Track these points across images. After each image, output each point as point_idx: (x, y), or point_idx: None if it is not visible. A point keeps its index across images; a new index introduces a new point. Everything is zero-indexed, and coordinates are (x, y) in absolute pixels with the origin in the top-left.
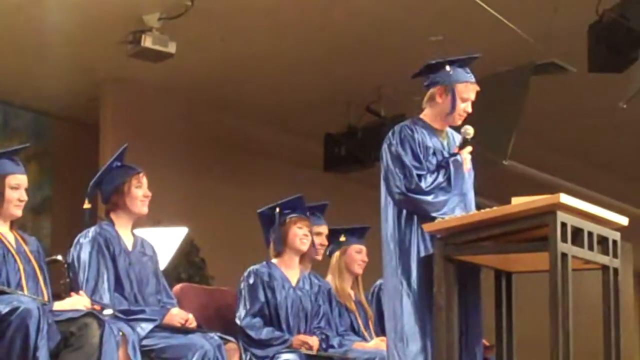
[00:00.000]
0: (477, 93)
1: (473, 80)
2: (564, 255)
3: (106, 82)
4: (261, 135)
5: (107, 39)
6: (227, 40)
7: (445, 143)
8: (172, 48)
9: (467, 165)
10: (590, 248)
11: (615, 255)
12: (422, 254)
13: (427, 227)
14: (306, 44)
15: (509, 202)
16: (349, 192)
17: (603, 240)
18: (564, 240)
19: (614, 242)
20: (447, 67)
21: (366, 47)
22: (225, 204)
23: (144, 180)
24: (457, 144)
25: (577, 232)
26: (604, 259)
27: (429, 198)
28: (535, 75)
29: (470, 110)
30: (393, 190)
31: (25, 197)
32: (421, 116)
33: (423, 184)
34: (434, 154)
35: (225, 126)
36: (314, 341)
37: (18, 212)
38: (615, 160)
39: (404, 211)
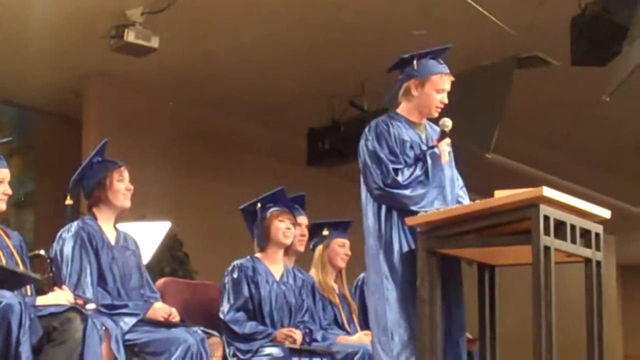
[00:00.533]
0: (461, 86)
1: (447, 70)
2: (547, 248)
3: (89, 76)
4: (244, 129)
5: (90, 33)
6: (209, 35)
7: (423, 136)
8: (155, 43)
9: (446, 157)
10: (573, 241)
11: (597, 248)
12: (405, 248)
13: (410, 220)
14: (289, 39)
15: (492, 195)
16: (332, 187)
17: (586, 233)
18: (547, 233)
19: (597, 235)
20: (420, 60)
21: (349, 41)
22: (208, 199)
23: (126, 174)
24: (436, 136)
25: (560, 225)
26: (587, 252)
27: (407, 192)
28: (518, 68)
29: (446, 101)
30: (371, 186)
31: (9, 191)
32: (398, 110)
33: (400, 178)
34: (412, 147)
35: (209, 121)
36: (297, 335)
37: (2, 206)
38: (598, 154)
39: (384, 206)
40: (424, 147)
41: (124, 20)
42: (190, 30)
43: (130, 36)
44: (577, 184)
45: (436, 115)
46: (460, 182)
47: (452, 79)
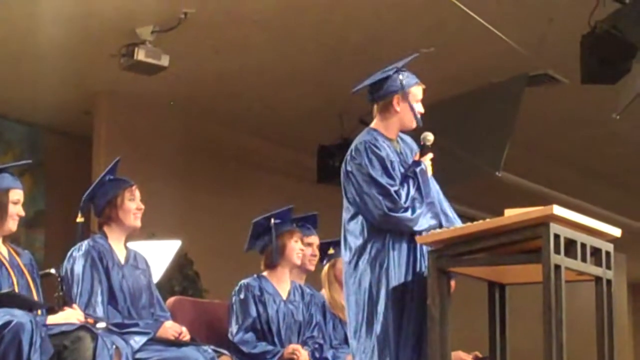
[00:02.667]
0: (471, 104)
1: (418, 79)
2: (557, 266)
3: (100, 95)
4: (255, 147)
5: (101, 52)
6: (220, 53)
7: (398, 150)
8: (165, 61)
9: (430, 170)
10: (584, 259)
11: (608, 267)
12: (396, 267)
13: (421, 239)
14: (299, 57)
15: (502, 213)
16: (342, 204)
17: (596, 252)
18: (557, 251)
19: (607, 253)
20: (400, 75)
21: (359, 59)
22: (218, 217)
23: (137, 193)
24: (408, 148)
25: (571, 244)
26: (597, 271)
27: (409, 214)
28: (528, 86)
29: (422, 110)
30: (373, 211)
31: (22, 213)
32: (374, 127)
33: (402, 201)
34: (395, 164)
35: (219, 139)
36: (302, 353)
37: (14, 227)
38: (608, 172)
39: (369, 229)
40: (403, 162)
41: (134, 39)
42: (200, 49)
43: (140, 55)
44: (587, 202)
45: (414, 126)
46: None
47: (424, 86)
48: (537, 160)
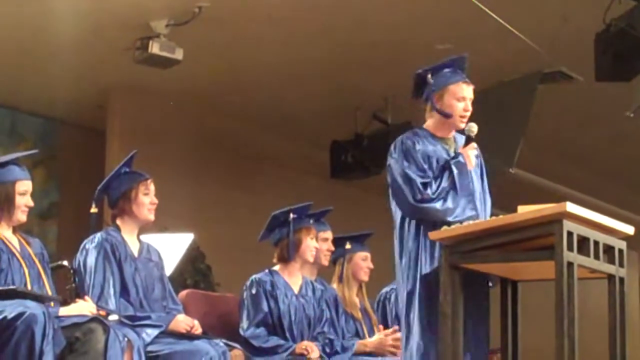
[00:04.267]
0: (485, 101)
1: (463, 77)
2: (570, 264)
3: (114, 88)
4: (268, 142)
5: (115, 45)
6: (234, 47)
7: (451, 150)
8: (179, 54)
9: (472, 163)
10: (597, 257)
11: (621, 265)
12: (435, 262)
13: (433, 235)
14: (313, 52)
15: (515, 210)
16: (355, 199)
17: (609, 249)
18: (570, 249)
19: (620, 251)
20: (435, 74)
21: (373, 54)
22: (231, 211)
23: (152, 187)
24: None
25: (583, 241)
26: (610, 268)
27: (437, 205)
28: (542, 83)
29: (470, 108)
30: (403, 204)
31: (31, 203)
32: (424, 126)
33: (429, 192)
34: (437, 161)
35: (232, 133)
36: (313, 350)
37: (23, 218)
38: (622, 169)
39: (412, 223)
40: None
41: (149, 32)
42: (214, 43)
43: (154, 48)
44: (600, 200)
45: (463, 125)
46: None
47: (472, 86)
48: (551, 158)
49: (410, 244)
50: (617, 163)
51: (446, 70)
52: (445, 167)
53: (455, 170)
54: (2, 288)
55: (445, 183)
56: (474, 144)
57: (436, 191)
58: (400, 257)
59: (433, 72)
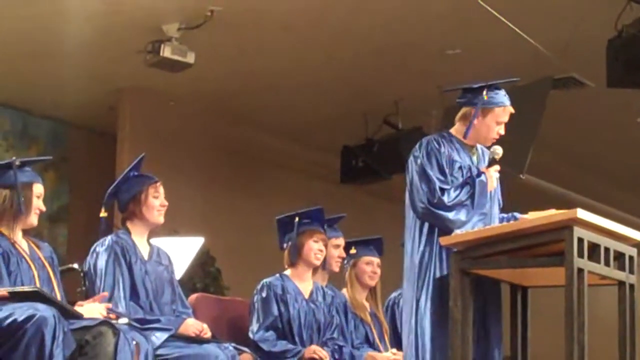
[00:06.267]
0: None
1: (509, 102)
2: (580, 270)
3: (125, 91)
4: (278, 146)
5: (127, 48)
6: (245, 52)
7: (474, 158)
8: (190, 58)
9: (493, 184)
10: (607, 264)
11: (631, 272)
12: (445, 268)
13: (444, 240)
14: (324, 57)
15: None
16: (365, 205)
17: (620, 256)
18: (581, 255)
19: (631, 258)
20: (490, 91)
21: (384, 60)
22: (241, 215)
23: (161, 190)
24: (485, 162)
25: (594, 248)
26: (620, 275)
27: (450, 215)
28: (553, 89)
29: (503, 132)
30: (416, 203)
31: (43, 207)
32: (451, 131)
33: (446, 199)
34: (460, 168)
35: (243, 137)
36: (324, 354)
37: (35, 221)
38: (633, 176)
39: (426, 226)
40: (474, 170)
41: (160, 36)
42: (226, 47)
43: (166, 51)
44: (611, 207)
45: (490, 145)
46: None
47: (512, 111)
48: (562, 164)
49: (422, 247)
50: (628, 169)
51: (498, 89)
52: (467, 181)
53: (477, 187)
54: (26, 289)
55: (463, 196)
56: (497, 166)
57: (452, 200)
58: (411, 259)
59: (489, 88)
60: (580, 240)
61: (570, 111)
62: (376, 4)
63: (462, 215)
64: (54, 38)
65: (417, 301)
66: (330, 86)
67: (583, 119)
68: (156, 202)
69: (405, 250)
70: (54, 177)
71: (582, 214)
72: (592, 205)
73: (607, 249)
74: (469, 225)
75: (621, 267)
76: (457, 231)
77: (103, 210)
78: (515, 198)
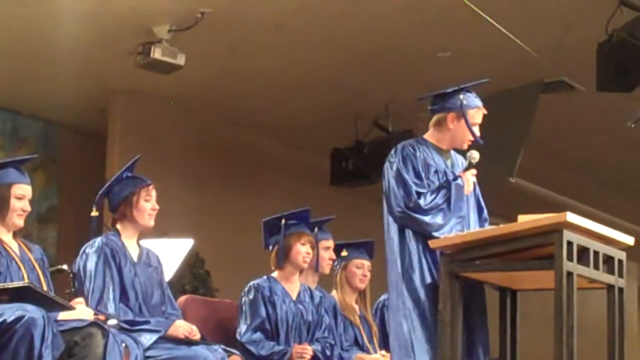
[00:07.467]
0: (486, 109)
1: (481, 104)
2: (570, 274)
3: (115, 92)
4: (268, 148)
5: (117, 49)
6: (235, 53)
7: (449, 163)
8: (181, 60)
9: (470, 187)
10: (596, 267)
11: (620, 275)
12: (425, 273)
13: (433, 243)
14: (315, 59)
15: (515, 219)
16: (355, 207)
17: (609, 260)
18: (570, 259)
19: (620, 261)
20: (461, 95)
21: (374, 62)
22: (231, 217)
23: (153, 193)
24: (462, 167)
25: (583, 251)
26: (610, 279)
27: (427, 218)
28: (544, 93)
29: (478, 133)
30: (393, 207)
31: (28, 208)
32: (425, 137)
33: (422, 202)
34: (436, 172)
35: (233, 139)
36: (309, 350)
37: (20, 222)
38: (622, 180)
39: (407, 230)
40: (450, 174)
41: (151, 37)
42: (216, 48)
43: (156, 53)
44: (601, 210)
45: (466, 148)
46: (485, 213)
47: (485, 112)
48: (551, 167)
49: (402, 252)
50: (617, 173)
51: (470, 92)
52: (443, 185)
53: (453, 191)
54: (17, 284)
55: (440, 200)
56: (474, 170)
57: (429, 204)
58: (392, 263)
59: (462, 91)
60: (570, 243)
61: (560, 115)
62: (367, 6)
63: (438, 219)
64: (44, 39)
65: (402, 305)
66: (321, 88)
67: (573, 123)
68: (147, 205)
69: (386, 256)
70: (44, 178)
71: (571, 217)
72: (582, 208)
73: (596, 253)
74: (447, 229)
75: (610, 271)
76: (435, 234)
77: (94, 209)
78: (505, 201)
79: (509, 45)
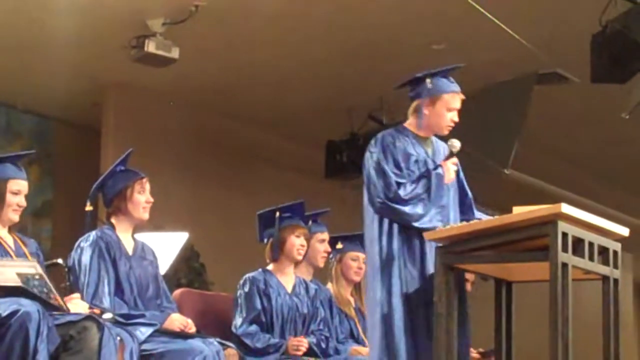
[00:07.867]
0: (480, 101)
1: (458, 89)
2: (565, 265)
3: (109, 86)
4: (263, 141)
5: (111, 43)
6: (230, 47)
7: (429, 151)
8: (175, 53)
9: (450, 176)
10: (591, 258)
11: (615, 266)
12: (405, 261)
13: (428, 235)
14: (309, 51)
15: (510, 211)
16: (349, 199)
17: (604, 251)
18: (565, 250)
19: (615, 252)
20: (433, 79)
21: (369, 54)
22: (226, 210)
23: (147, 186)
24: (444, 154)
25: (578, 242)
26: (605, 270)
27: (407, 209)
28: (538, 84)
29: (457, 119)
30: (374, 198)
31: (24, 203)
32: (406, 125)
33: (402, 193)
34: (417, 162)
35: (227, 132)
36: (305, 342)
37: (15, 218)
38: (617, 171)
39: (385, 222)
40: (430, 163)
41: (145, 31)
42: (210, 42)
43: (150, 47)
44: (595, 202)
45: (446, 133)
46: (469, 198)
47: (463, 97)
48: (546, 159)
49: (382, 243)
50: (612, 165)
51: (444, 77)
52: (423, 174)
53: (433, 180)
54: (9, 284)
55: (420, 190)
56: (455, 159)
57: (409, 194)
58: (372, 256)
59: (432, 76)
60: (565, 235)
61: (554, 106)
62: None
63: (419, 209)
64: (38, 33)
65: (382, 297)
66: (315, 81)
67: (568, 115)
68: (142, 198)
69: (365, 248)
70: (38, 172)
71: (566, 208)
72: (577, 200)
73: (591, 244)
74: (427, 219)
75: (605, 262)
76: (415, 224)
77: (88, 204)
78: (500, 193)
79: (504, 37)
